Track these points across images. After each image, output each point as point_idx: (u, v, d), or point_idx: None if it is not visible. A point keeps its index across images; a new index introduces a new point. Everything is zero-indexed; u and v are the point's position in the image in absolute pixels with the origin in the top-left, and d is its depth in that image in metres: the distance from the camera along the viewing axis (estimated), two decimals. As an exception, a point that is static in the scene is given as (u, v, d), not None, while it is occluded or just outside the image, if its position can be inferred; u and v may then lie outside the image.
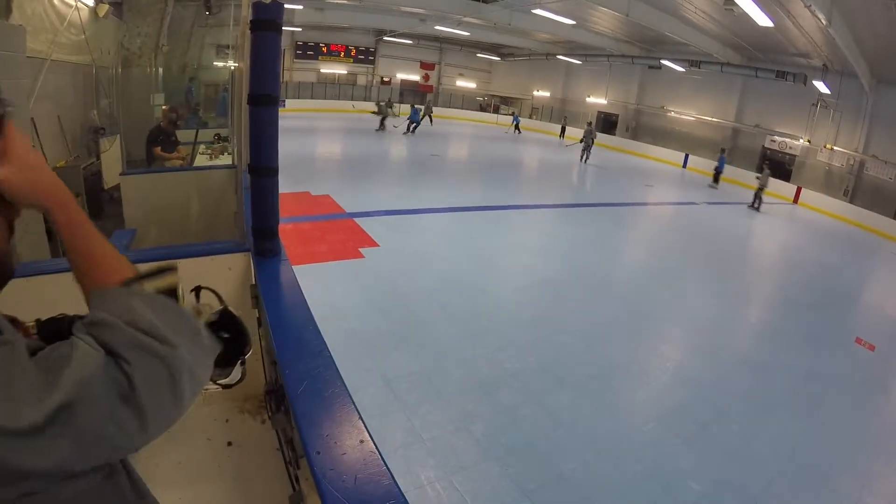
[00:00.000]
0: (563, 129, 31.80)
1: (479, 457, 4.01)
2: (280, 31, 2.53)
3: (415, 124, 24.35)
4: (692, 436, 4.86)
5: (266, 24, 2.51)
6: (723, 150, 23.76)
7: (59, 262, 2.34)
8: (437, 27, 25.11)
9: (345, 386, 1.73)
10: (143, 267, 0.92)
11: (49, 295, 1.48)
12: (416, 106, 25.91)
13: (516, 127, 30.93)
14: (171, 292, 0.91)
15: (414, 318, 6.18)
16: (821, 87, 19.94)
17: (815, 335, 8.31)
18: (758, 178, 19.41)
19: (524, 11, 19.71)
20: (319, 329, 2.12)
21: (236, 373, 1.14)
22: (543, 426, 4.56)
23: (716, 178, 22.33)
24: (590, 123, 24.18)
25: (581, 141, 22.47)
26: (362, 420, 1.56)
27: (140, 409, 0.70)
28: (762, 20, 13.38)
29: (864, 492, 4.76)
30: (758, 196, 19.00)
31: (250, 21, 2.56)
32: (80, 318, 0.79)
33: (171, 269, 0.93)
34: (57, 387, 0.64)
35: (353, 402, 1.65)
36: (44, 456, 0.63)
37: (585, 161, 22.05)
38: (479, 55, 36.15)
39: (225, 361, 1.03)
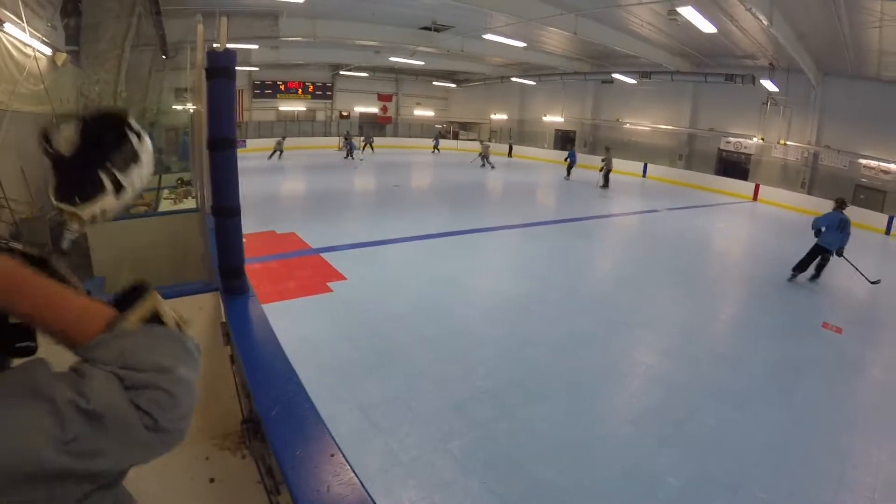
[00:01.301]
0: (511, 148, 33.68)
1: (458, 473, 4.07)
2: (233, 77, 2.64)
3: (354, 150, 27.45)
4: (668, 434, 4.97)
5: (220, 71, 2.62)
6: (572, 144, 26.56)
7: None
8: (392, 58, 25.49)
9: (314, 407, 1.83)
10: (116, 296, 0.93)
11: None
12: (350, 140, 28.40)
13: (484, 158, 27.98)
14: (154, 316, 0.90)
15: (385, 345, 6.24)
16: (769, 85, 20.71)
17: (783, 324, 8.54)
18: (603, 160, 22.01)
19: (475, 37, 20.08)
20: (288, 358, 2.22)
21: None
22: (519, 438, 4.63)
23: (568, 172, 23.85)
24: (608, 149, 24.15)
25: (601, 164, 22.69)
26: (331, 436, 1.66)
27: (162, 430, 0.80)
28: (706, 27, 13.81)
29: (847, 467, 4.92)
30: (605, 177, 21.75)
31: (205, 69, 2.67)
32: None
33: (145, 290, 0.92)
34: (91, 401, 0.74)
35: (323, 421, 1.75)
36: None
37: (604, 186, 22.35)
38: (435, 83, 36.66)
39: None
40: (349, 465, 1.52)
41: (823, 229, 10.57)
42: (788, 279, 10.87)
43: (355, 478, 1.46)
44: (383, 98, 36.70)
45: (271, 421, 1.77)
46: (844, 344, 8.04)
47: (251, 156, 25.70)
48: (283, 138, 28.02)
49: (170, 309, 0.93)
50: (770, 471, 4.65)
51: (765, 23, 13.58)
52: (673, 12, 13.43)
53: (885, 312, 10.17)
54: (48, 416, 0.71)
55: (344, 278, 8.44)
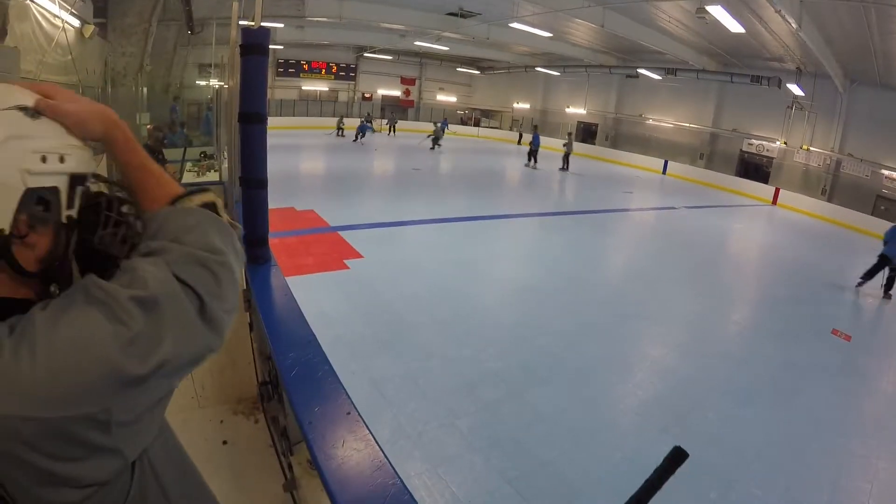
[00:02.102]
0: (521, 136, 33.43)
1: (463, 449, 4.19)
2: (267, 54, 2.74)
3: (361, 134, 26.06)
4: (671, 425, 5.05)
5: (254, 48, 2.72)
6: (535, 128, 26.05)
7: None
8: (417, 42, 25.39)
9: (332, 368, 1.94)
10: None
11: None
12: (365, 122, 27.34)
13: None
14: (211, 205, 0.99)
15: (399, 323, 6.36)
16: (795, 89, 20.38)
17: (793, 328, 8.54)
18: (564, 144, 22.83)
19: (502, 25, 20.00)
20: (308, 323, 2.33)
21: None
22: (525, 420, 4.74)
23: (530, 157, 23.61)
24: (570, 134, 24.92)
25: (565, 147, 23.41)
26: (348, 396, 1.76)
27: (208, 316, 0.83)
28: (734, 27, 13.73)
29: (842, 472, 4.98)
30: (566, 160, 22.57)
31: (239, 45, 2.76)
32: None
33: (206, 190, 1.01)
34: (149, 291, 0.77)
35: (340, 382, 1.86)
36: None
37: (564, 169, 22.71)
38: (458, 69, 36.49)
39: None
40: (364, 422, 1.62)
41: (888, 241, 10.68)
42: (856, 286, 11.01)
43: (370, 434, 1.56)
44: (406, 81, 36.59)
45: (291, 380, 1.87)
46: (852, 351, 8.04)
47: (271, 133, 25.75)
48: (342, 118, 28.55)
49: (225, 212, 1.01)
50: (767, 468, 4.72)
51: (794, 26, 13.42)
52: (701, 10, 13.30)
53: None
54: (109, 323, 0.73)
55: (361, 256, 8.57)
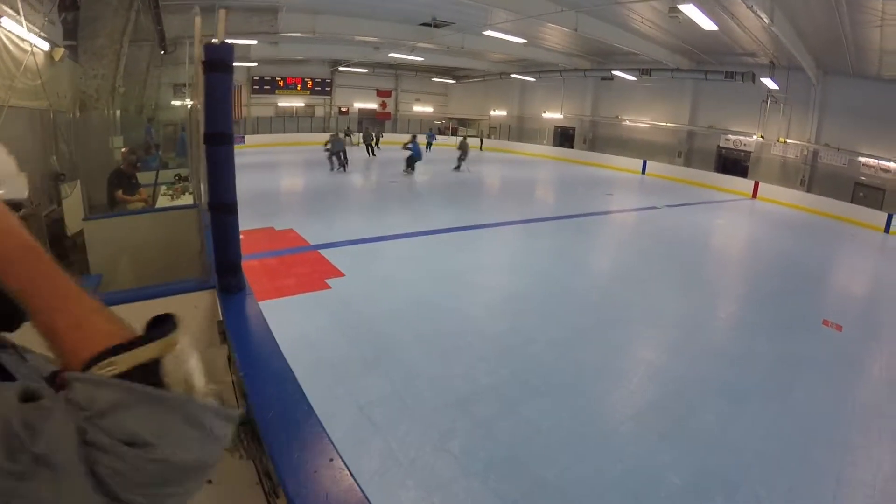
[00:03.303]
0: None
1: (458, 473, 4.04)
2: (231, 70, 2.60)
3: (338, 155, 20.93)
4: (669, 431, 4.97)
5: (217, 64, 2.58)
6: (430, 129, 28.21)
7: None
8: (392, 54, 25.34)
9: (312, 409, 1.79)
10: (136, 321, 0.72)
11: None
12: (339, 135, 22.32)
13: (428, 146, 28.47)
14: (152, 366, 0.67)
15: (384, 342, 6.20)
16: (769, 83, 20.69)
17: (783, 322, 8.55)
18: (459, 148, 23.24)
19: (475, 33, 20.04)
20: (284, 357, 2.18)
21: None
22: (521, 436, 4.61)
23: (428, 145, 24.85)
24: (464, 137, 25.61)
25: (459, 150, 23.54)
26: (330, 440, 1.62)
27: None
28: (706, 24, 13.78)
29: (845, 464, 4.93)
30: (461, 160, 22.75)
31: (202, 62, 2.62)
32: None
33: (167, 327, 0.71)
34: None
35: (321, 424, 1.71)
36: None
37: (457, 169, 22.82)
38: (434, 79, 36.59)
39: None
40: (349, 470, 1.48)
41: None
42: None
43: (355, 484, 1.42)
44: (382, 94, 36.57)
45: (267, 424, 1.73)
46: (844, 341, 8.05)
47: (248, 151, 25.63)
48: (347, 131, 28.47)
49: (190, 362, 0.72)
50: (769, 467, 4.66)
51: (766, 21, 13.55)
52: (674, 10, 13.34)
53: (886, 310, 10.17)
54: None
55: (342, 275, 8.40)
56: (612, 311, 7.95)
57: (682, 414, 5.32)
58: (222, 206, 2.72)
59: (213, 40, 2.60)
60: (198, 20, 3.38)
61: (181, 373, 0.69)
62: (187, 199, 7.52)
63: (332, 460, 1.52)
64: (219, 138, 2.65)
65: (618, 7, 15.92)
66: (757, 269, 12.41)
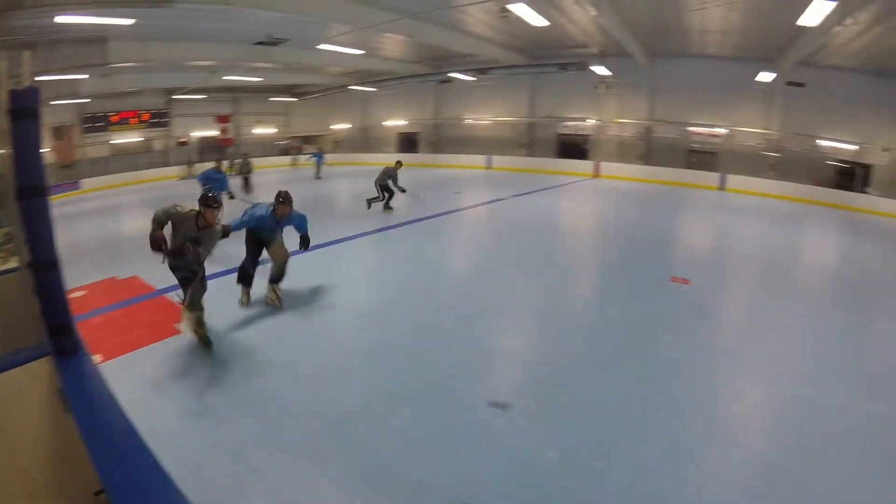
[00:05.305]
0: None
1: (343, 497, 3.88)
2: (38, 117, 2.37)
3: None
4: (539, 411, 5.03)
5: (24, 111, 2.34)
6: (318, 149, 29.14)
7: None
8: (228, 77, 24.34)
9: (165, 474, 1.60)
10: None
11: None
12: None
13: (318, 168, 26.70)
14: None
15: (235, 381, 5.70)
16: (601, 70, 22.29)
17: (635, 286, 9.06)
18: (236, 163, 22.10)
19: (312, 48, 19.72)
20: (130, 420, 1.96)
21: None
22: (394, 446, 4.49)
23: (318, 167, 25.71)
24: (245, 154, 22.56)
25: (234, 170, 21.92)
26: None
27: None
28: (537, 21, 14.28)
29: (711, 403, 5.33)
30: (245, 182, 20.25)
31: (8, 111, 2.37)
32: None
33: None
34: None
35: (177, 490, 1.53)
36: None
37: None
38: (273, 99, 35.48)
39: None
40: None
41: None
42: None
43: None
44: (222, 119, 34.91)
45: (117, 496, 1.53)
46: (694, 292, 8.71)
47: (87, 197, 23.65)
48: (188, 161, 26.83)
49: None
50: (641, 422, 4.87)
51: (592, 13, 14.37)
52: (504, 9, 13.77)
53: (727, 259, 11.40)
54: None
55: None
56: (468, 307, 7.91)
57: (550, 391, 5.40)
58: (43, 264, 2.47)
59: (18, 84, 2.34)
60: (2, 65, 3.03)
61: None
62: (14, 263, 6.67)
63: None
64: (32, 191, 2.39)
65: (451, 11, 16.29)
66: (604, 241, 13.17)
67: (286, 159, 34.36)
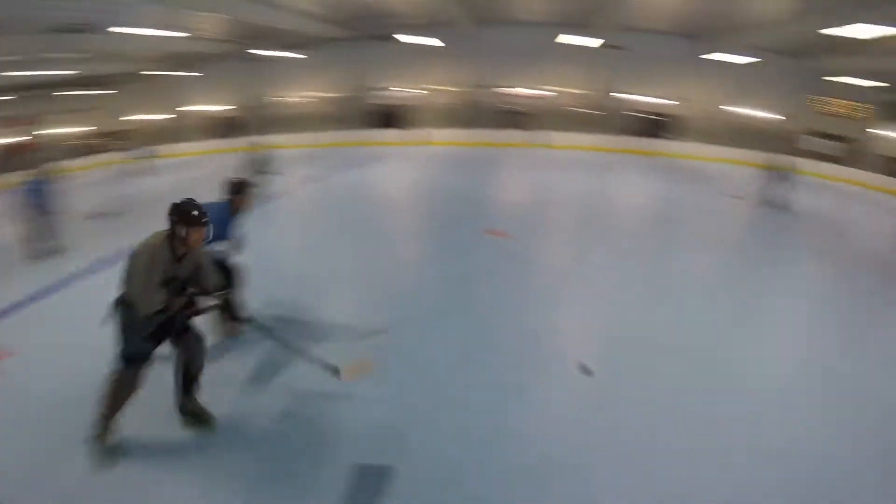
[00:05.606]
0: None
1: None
2: None
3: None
4: (371, 380, 5.07)
5: None
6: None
7: None
8: (25, 73, 21.60)
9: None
10: None
11: None
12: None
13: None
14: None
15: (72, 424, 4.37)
16: (428, 41, 22.74)
17: (455, 246, 9.54)
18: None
19: (121, 35, 18.09)
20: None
21: None
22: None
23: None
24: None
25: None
26: None
27: None
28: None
29: (535, 342, 5.86)
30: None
31: None
32: None
33: None
34: None
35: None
36: None
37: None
38: (83, 93, 31.45)
39: None
40: None
41: None
42: None
43: None
44: (20, 122, 30.42)
45: None
46: (511, 244, 9.42)
47: None
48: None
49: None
50: (468, 376, 5.18)
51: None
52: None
53: (546, 211, 12.30)
54: None
55: (11, 354, 5.79)
56: (291, 304, 6.96)
57: (380, 359, 5.40)
58: None
59: None
60: None
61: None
62: None
63: None
64: None
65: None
66: (424, 208, 13.35)
67: (105, 157, 30.86)
